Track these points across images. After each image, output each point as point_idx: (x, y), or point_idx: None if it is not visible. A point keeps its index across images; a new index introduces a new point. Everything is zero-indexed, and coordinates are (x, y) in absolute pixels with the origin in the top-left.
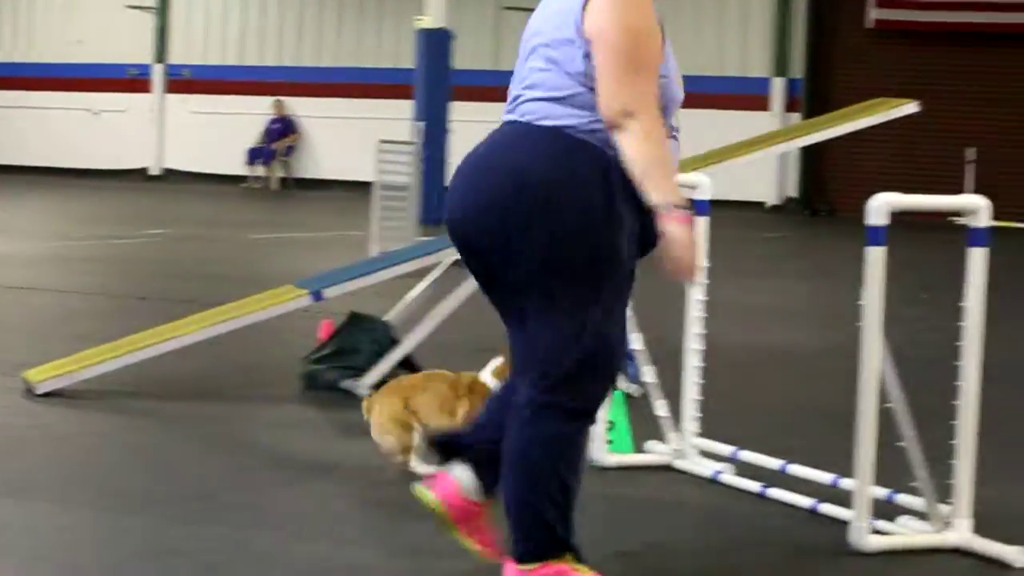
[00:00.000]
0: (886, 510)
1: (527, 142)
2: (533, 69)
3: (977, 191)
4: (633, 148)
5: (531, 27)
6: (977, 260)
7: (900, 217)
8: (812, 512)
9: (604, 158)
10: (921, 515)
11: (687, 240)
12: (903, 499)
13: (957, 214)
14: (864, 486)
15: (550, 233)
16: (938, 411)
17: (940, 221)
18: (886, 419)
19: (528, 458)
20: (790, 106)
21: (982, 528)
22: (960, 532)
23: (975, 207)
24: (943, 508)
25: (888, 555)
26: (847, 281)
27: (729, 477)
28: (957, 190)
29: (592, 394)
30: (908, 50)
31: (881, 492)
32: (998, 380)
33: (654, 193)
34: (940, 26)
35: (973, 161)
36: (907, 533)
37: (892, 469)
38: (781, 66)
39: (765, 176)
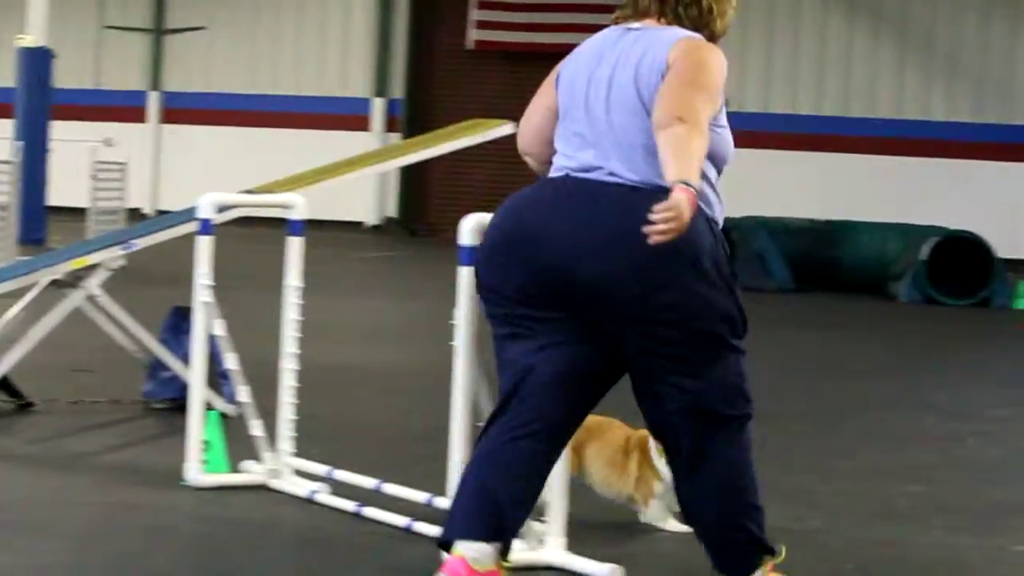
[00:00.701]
0: None
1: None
2: (623, 125)
3: None
4: (673, 135)
5: (611, 69)
6: None
7: None
8: (407, 531)
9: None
10: None
11: (685, 210)
12: None
13: None
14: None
15: (721, 302)
16: None
17: None
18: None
19: (748, 474)
20: (390, 126)
21: (576, 546)
22: (554, 550)
23: None
24: (537, 526)
25: None
26: (443, 301)
27: (325, 497)
28: None
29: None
30: (508, 71)
31: None
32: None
33: (676, 168)
34: (538, 47)
35: None
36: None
37: None
38: (382, 86)
39: (365, 196)
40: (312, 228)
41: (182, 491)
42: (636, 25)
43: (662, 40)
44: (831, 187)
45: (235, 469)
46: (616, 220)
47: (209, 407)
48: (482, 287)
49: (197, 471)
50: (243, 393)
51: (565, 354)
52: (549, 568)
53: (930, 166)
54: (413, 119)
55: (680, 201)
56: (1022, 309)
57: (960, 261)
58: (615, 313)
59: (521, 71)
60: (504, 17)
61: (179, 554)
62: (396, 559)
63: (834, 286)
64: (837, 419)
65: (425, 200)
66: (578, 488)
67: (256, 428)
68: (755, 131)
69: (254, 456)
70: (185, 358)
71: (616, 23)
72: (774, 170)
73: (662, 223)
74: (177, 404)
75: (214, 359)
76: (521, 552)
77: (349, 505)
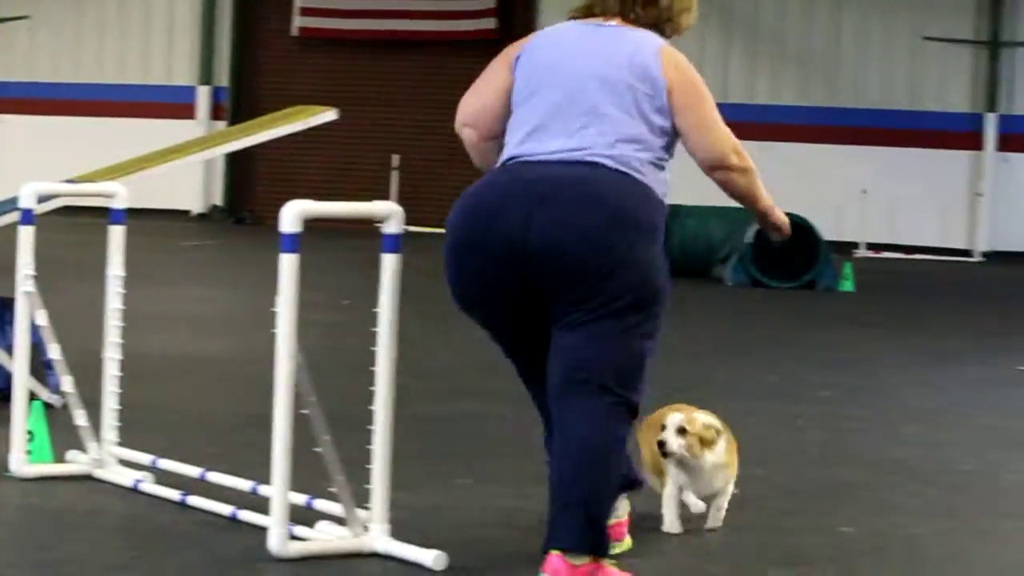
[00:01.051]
0: (306, 516)
1: (639, 192)
2: (637, 120)
3: (402, 197)
4: (745, 180)
5: (596, 62)
6: (389, 266)
7: (331, 224)
8: (232, 519)
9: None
10: (340, 520)
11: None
12: (322, 505)
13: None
14: (282, 492)
15: (660, 277)
16: (358, 417)
17: (370, 228)
18: (305, 425)
19: (607, 450)
20: (216, 114)
21: (400, 532)
22: (378, 537)
23: (387, 213)
24: (361, 513)
25: (307, 560)
26: (267, 289)
27: (149, 486)
28: (387, 196)
29: (643, 394)
30: (333, 58)
31: (300, 498)
32: (422, 385)
33: (763, 201)
34: (362, 34)
35: (397, 168)
36: (326, 539)
37: (311, 475)
38: (207, 74)
39: (191, 184)
40: (138, 217)
41: (6, 481)
42: (608, 23)
43: (645, 42)
44: None
45: (60, 459)
46: (608, 203)
47: (33, 397)
48: (462, 288)
49: (21, 461)
50: (67, 383)
51: (529, 335)
52: (373, 555)
53: (755, 149)
54: (238, 107)
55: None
56: (847, 291)
57: (786, 243)
58: (570, 287)
59: (346, 58)
60: (328, 4)
61: (2, 544)
62: (221, 547)
63: None
64: (668, 403)
65: (252, 188)
66: (401, 475)
67: (80, 418)
68: None
69: (79, 446)
70: (8, 349)
71: (575, 18)
72: None
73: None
74: (1, 394)
75: (38, 349)
76: (344, 540)
77: (174, 494)
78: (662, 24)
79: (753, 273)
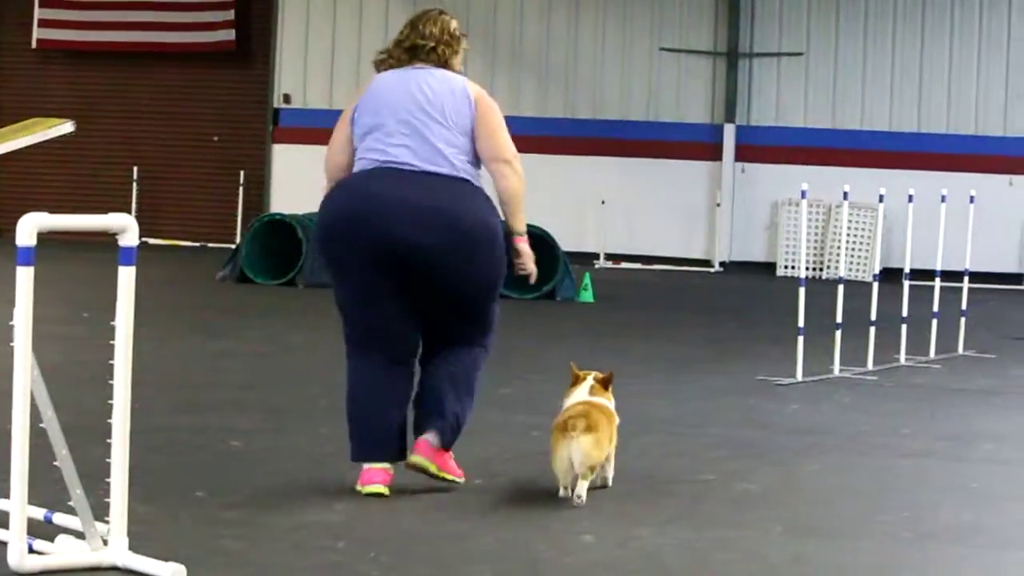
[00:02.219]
0: (46, 530)
1: (478, 196)
2: (453, 132)
3: (142, 209)
4: (506, 179)
5: (414, 92)
6: (126, 278)
7: (73, 236)
8: None
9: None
10: (79, 534)
11: (530, 253)
12: (61, 519)
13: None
14: (20, 507)
15: (500, 267)
16: (98, 429)
17: (112, 240)
18: (45, 439)
19: (474, 382)
20: None
21: (139, 545)
22: (117, 550)
23: (122, 226)
24: (100, 526)
25: (46, 575)
26: (3, 302)
27: None
28: (128, 208)
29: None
30: (74, 70)
31: (39, 512)
32: (163, 397)
33: (517, 223)
34: (103, 46)
35: (136, 180)
36: (66, 553)
37: (52, 489)
38: None
39: None
40: None
41: None
42: (420, 66)
43: (455, 80)
44: None
45: None
46: (435, 198)
47: None
48: (331, 256)
49: None
50: None
51: (403, 300)
52: (113, 568)
53: None
54: None
55: (527, 250)
56: (587, 302)
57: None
58: (441, 276)
59: (86, 70)
60: (67, 16)
61: None
62: None
63: None
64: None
65: None
66: (140, 488)
67: None
68: (317, 127)
69: None
70: None
71: (388, 67)
72: None
73: (526, 269)
74: None
75: None
76: (83, 554)
77: None
78: (443, 66)
79: None
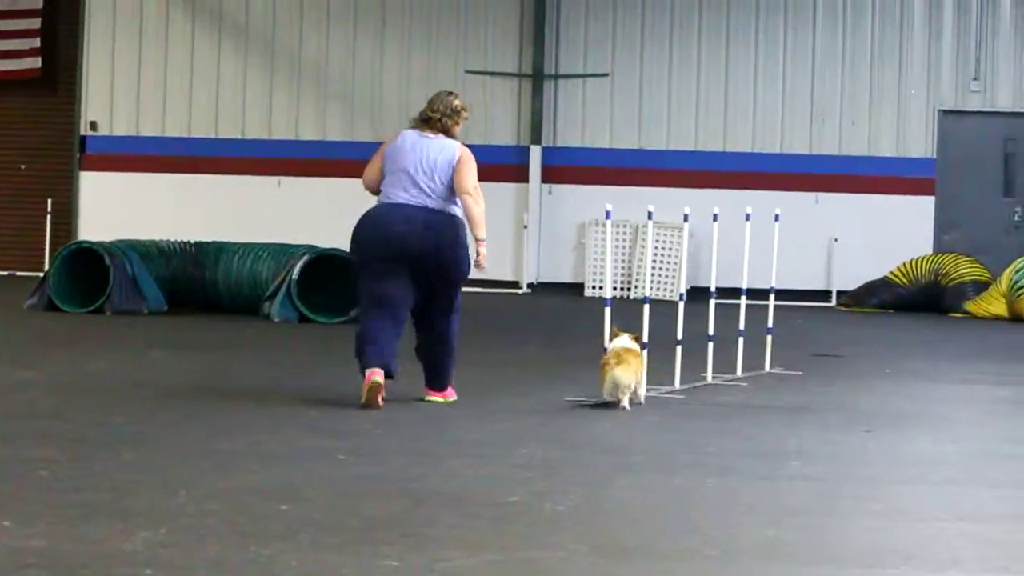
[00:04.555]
0: None
1: (453, 220)
2: (437, 184)
3: None
4: (478, 207)
5: (420, 157)
6: None
7: None
8: None
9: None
10: None
11: (485, 254)
12: None
13: None
14: None
15: (464, 264)
16: None
17: None
18: None
19: (455, 336)
20: None
21: None
22: None
23: None
24: None
25: None
26: None
27: None
28: None
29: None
30: None
31: None
32: None
33: (479, 232)
34: None
35: None
36: None
37: None
38: None
39: None
40: None
41: None
42: (428, 134)
43: (449, 145)
44: (206, 208)
45: None
46: (432, 225)
47: None
48: (362, 254)
49: None
50: None
51: (406, 284)
52: None
53: (306, 186)
54: None
55: (485, 251)
56: None
57: (332, 279)
58: (426, 268)
59: None
60: None
61: None
62: None
63: (212, 308)
64: (211, 439)
65: None
66: None
67: None
68: (124, 154)
69: None
70: None
71: (412, 126)
72: (147, 193)
73: (482, 266)
74: None
75: None
76: None
77: None
78: (445, 132)
79: (300, 309)
